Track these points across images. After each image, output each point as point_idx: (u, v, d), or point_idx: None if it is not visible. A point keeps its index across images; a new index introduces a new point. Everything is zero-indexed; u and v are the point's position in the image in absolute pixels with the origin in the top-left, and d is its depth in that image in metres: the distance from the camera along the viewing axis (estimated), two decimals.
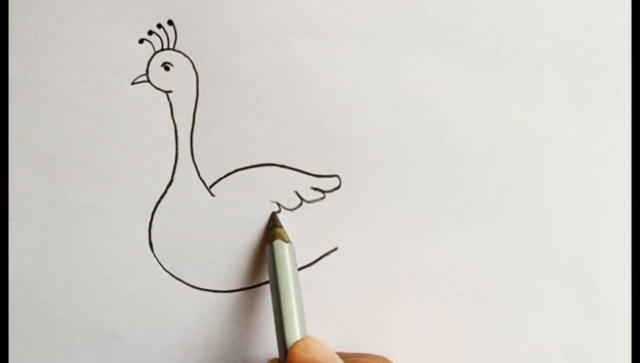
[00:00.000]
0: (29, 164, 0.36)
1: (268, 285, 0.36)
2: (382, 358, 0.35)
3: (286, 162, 0.36)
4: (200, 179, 0.36)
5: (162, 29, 0.35)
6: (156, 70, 0.36)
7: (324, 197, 0.36)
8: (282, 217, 0.36)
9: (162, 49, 0.35)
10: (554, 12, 0.36)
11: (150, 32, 0.35)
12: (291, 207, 0.36)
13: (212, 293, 0.37)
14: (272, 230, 0.36)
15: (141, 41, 0.35)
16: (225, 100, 0.36)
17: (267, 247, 0.35)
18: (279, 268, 0.34)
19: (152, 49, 0.35)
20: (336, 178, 0.36)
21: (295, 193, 0.36)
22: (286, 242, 0.35)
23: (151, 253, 0.36)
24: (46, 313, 0.36)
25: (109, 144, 0.36)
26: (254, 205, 0.36)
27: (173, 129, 0.36)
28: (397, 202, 0.37)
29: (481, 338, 0.38)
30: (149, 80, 0.36)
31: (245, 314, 0.37)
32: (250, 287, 0.37)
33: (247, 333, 0.37)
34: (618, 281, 0.38)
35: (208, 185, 0.36)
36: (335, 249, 0.37)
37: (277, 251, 0.34)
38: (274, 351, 0.37)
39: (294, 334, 0.33)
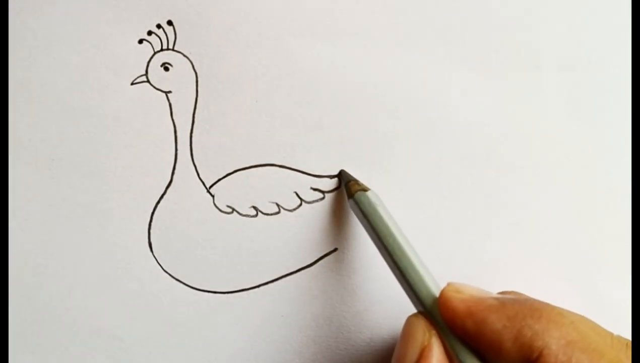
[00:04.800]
0: (29, 164, 0.36)
1: (267, 287, 0.36)
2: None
3: (286, 162, 0.36)
4: (200, 179, 0.36)
5: (161, 29, 0.35)
6: (156, 71, 0.36)
7: (323, 198, 0.36)
8: (281, 218, 0.36)
9: (162, 49, 0.35)
10: (553, 12, 0.36)
11: (149, 33, 0.35)
12: (291, 208, 0.36)
13: (211, 294, 0.37)
14: (348, 185, 0.35)
15: (140, 41, 0.35)
16: (225, 101, 0.36)
17: (360, 200, 0.33)
18: (382, 215, 0.32)
19: (152, 49, 0.35)
20: (336, 178, 0.36)
21: (295, 194, 0.36)
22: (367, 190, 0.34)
23: (150, 253, 0.36)
24: (46, 313, 0.36)
25: (108, 144, 0.36)
26: (254, 205, 0.36)
27: (172, 129, 0.36)
28: (397, 202, 0.37)
29: None
30: (148, 81, 0.36)
31: (245, 316, 0.37)
32: (250, 288, 0.37)
33: (246, 334, 0.37)
34: (618, 281, 0.38)
35: (207, 186, 0.36)
36: (335, 250, 0.37)
37: (371, 199, 0.33)
38: (273, 351, 0.37)
39: (431, 279, 0.31)
